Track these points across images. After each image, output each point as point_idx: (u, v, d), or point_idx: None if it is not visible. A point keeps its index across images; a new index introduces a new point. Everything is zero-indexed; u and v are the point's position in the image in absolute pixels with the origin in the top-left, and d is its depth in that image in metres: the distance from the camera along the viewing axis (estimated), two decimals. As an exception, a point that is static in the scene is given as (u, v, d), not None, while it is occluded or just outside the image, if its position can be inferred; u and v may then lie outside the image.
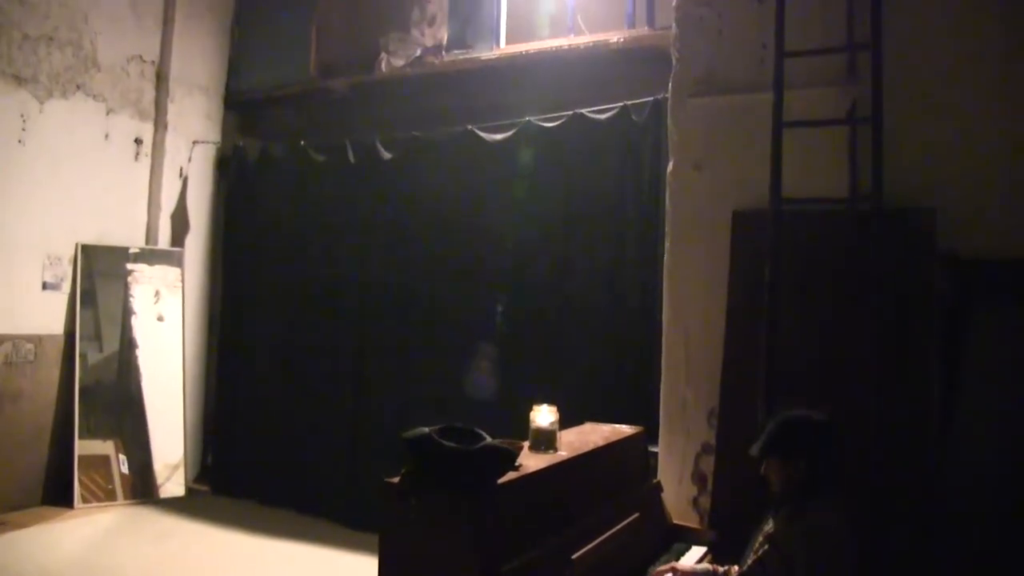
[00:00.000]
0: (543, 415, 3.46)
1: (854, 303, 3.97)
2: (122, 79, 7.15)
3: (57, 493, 6.48)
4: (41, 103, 6.49)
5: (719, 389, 4.40)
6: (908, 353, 3.89)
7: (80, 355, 6.65)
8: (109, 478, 6.65)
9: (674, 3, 4.92)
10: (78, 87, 6.77)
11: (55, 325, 6.59)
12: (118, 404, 6.84)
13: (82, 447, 6.56)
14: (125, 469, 6.74)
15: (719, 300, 4.45)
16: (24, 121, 6.37)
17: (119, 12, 7.11)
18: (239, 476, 7.23)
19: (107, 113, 7.01)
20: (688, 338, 4.60)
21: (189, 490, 7.14)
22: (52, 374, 6.58)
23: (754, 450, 3.04)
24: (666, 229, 4.79)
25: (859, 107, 4.18)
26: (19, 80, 6.34)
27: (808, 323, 4.11)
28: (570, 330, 5.74)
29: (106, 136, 7.01)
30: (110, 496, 6.61)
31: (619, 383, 5.45)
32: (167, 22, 7.51)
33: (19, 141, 6.34)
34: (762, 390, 4.02)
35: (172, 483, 6.99)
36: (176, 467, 7.06)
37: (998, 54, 3.98)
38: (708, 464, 4.46)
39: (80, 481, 6.48)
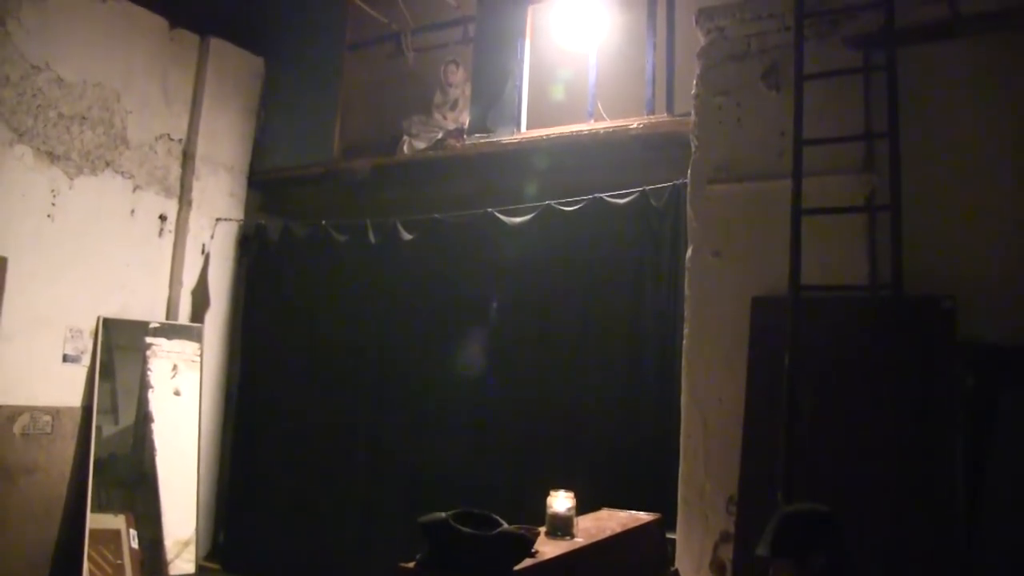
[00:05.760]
0: (560, 501, 3.41)
1: (875, 390, 3.92)
2: (150, 157, 7.27)
3: (65, 569, 6.37)
4: (71, 179, 6.60)
5: (738, 476, 4.33)
6: (932, 440, 3.82)
7: (96, 428, 6.62)
8: (119, 553, 6.54)
9: (693, 91, 4.99)
10: (107, 164, 6.88)
11: (73, 398, 6.57)
12: (131, 478, 6.76)
13: (93, 521, 6.46)
14: (135, 544, 6.64)
15: (738, 386, 4.41)
16: (54, 196, 6.47)
17: (150, 93, 7.28)
18: (251, 554, 7.12)
19: (134, 190, 7.12)
20: (706, 424, 4.55)
21: (199, 568, 7.02)
22: (68, 447, 6.53)
23: (762, 549, 2.81)
24: (685, 314, 4.77)
25: (878, 195, 4.20)
26: (52, 157, 6.46)
27: (828, 409, 4.06)
28: (587, 414, 5.69)
29: (132, 212, 7.10)
30: (119, 572, 6.49)
31: (636, 469, 5.38)
32: (195, 103, 7.67)
33: (48, 216, 6.43)
34: (782, 477, 3.94)
35: (182, 560, 6.87)
36: (187, 544, 6.95)
37: (1017, 142, 4.00)
38: (727, 552, 4.36)
39: (89, 556, 6.37)
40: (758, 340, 4.38)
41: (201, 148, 7.64)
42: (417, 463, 6.40)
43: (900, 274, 3.92)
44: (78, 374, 6.62)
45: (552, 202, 6.12)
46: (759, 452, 4.22)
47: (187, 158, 7.61)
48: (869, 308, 4.06)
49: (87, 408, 6.63)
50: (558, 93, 7.37)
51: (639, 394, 5.51)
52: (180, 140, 7.58)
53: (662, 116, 6.12)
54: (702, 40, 4.98)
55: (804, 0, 4.44)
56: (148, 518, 6.78)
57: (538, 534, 3.04)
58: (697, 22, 5.01)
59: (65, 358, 6.54)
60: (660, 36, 6.40)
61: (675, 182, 5.47)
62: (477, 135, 6.97)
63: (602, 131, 6.25)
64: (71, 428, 6.55)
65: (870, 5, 4.34)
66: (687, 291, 4.78)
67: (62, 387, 6.51)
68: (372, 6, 7.67)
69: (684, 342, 4.74)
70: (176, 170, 7.55)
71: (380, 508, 6.52)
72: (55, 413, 6.45)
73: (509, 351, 6.17)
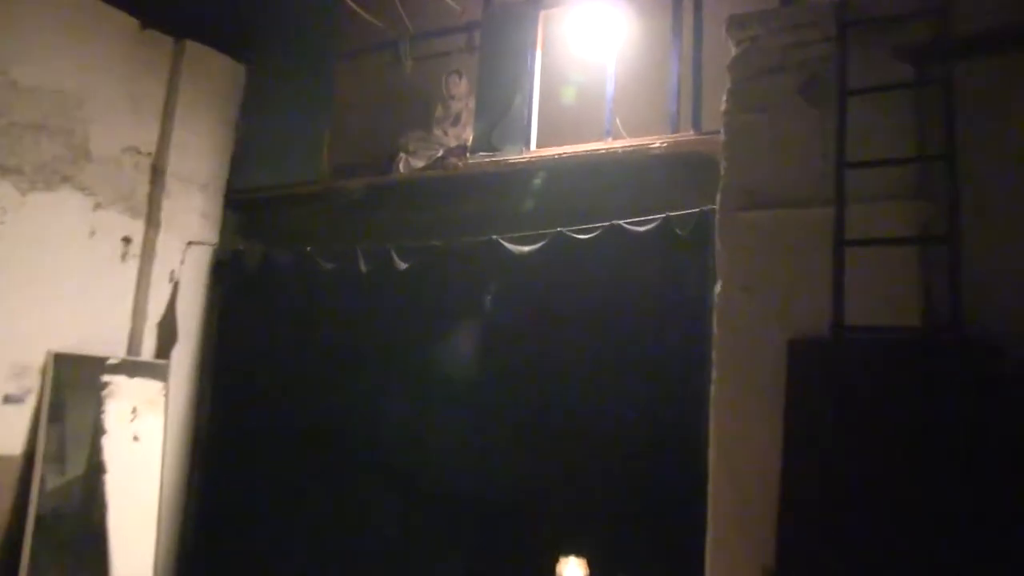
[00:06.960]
0: (571, 569, 3.33)
1: (930, 443, 3.82)
2: (114, 172, 7.23)
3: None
4: (23, 195, 6.53)
5: (775, 543, 4.21)
6: (998, 507, 3.71)
7: (39, 479, 6.42)
8: (58, 628, 6.37)
9: (722, 107, 4.94)
10: (65, 179, 6.83)
11: (13, 445, 6.40)
12: (77, 538, 6.55)
13: (30, 589, 6.29)
14: (79, 618, 6.47)
15: (773, 439, 4.29)
16: (3, 214, 6.41)
17: (116, 101, 7.26)
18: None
19: (94, 208, 7.06)
20: (739, 483, 4.44)
21: (155, 640, 6.89)
22: (3, 502, 6.34)
23: None
24: (713, 358, 4.68)
25: (932, 224, 4.12)
26: (2, 170, 6.41)
27: (877, 465, 3.96)
28: (601, 471, 5.62)
29: (92, 233, 7.04)
30: (58, 652, 6.33)
31: (658, 534, 5.27)
32: (167, 113, 7.67)
33: (-5, 236, 6.39)
34: (826, 545, 3.84)
35: (136, 631, 6.74)
36: (142, 614, 6.81)
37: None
38: (761, 634, 4.24)
39: (22, 633, 6.20)
40: (796, 388, 4.28)
41: (172, 163, 7.62)
42: (407, 521, 6.34)
43: (960, 314, 3.83)
44: (21, 417, 6.47)
45: (564, 229, 6.08)
46: (799, 514, 4.12)
47: (156, 174, 7.58)
48: (923, 353, 3.97)
49: (29, 456, 6.45)
50: (572, 107, 7.35)
51: (661, 448, 5.42)
52: (149, 153, 7.56)
53: (687, 134, 6.10)
54: (733, 50, 4.95)
55: (848, 6, 4.41)
56: (96, 585, 6.63)
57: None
58: (727, 31, 4.98)
59: (7, 399, 6.40)
60: (686, 46, 6.42)
61: (702, 208, 5.43)
62: (481, 153, 6.96)
63: (620, 150, 6.24)
64: (9, 480, 6.37)
65: (923, 12, 4.29)
66: (715, 331, 4.70)
67: (1, 432, 6.37)
68: (368, 10, 7.68)
69: (712, 389, 4.65)
70: (144, 187, 7.52)
71: (360, 568, 6.41)
72: (-10, 463, 6.33)
73: (515, 396, 6.11)
